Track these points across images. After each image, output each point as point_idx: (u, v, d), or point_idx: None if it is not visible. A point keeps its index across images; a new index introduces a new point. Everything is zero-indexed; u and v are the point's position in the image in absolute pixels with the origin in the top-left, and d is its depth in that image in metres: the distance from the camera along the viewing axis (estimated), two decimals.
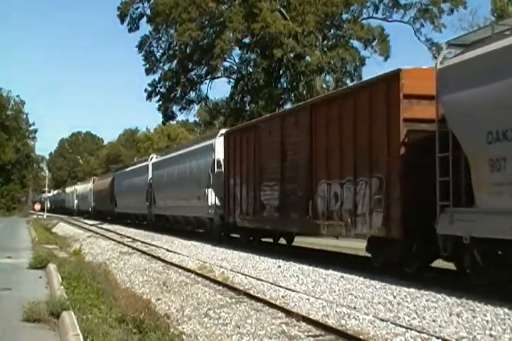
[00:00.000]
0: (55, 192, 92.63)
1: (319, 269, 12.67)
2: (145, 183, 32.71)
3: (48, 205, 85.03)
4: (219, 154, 21.15)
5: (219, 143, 21.27)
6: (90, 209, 53.66)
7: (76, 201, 64.07)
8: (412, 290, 9.70)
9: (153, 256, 17.22)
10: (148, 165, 33.25)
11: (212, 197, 21.42)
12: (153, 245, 21.23)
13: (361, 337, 6.95)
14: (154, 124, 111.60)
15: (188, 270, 13.66)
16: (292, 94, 40.18)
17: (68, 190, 73.62)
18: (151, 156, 34.40)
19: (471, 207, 9.31)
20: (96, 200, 51.40)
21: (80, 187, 62.69)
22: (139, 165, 37.17)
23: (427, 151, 10.12)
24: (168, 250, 18.87)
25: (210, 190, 21.65)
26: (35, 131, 76.49)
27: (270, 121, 17.86)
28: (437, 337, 6.84)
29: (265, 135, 17.22)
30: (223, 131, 21.98)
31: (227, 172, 20.30)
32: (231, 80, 44.95)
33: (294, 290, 10.35)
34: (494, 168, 8.70)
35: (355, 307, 8.79)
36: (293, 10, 36.80)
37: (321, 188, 13.90)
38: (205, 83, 45.39)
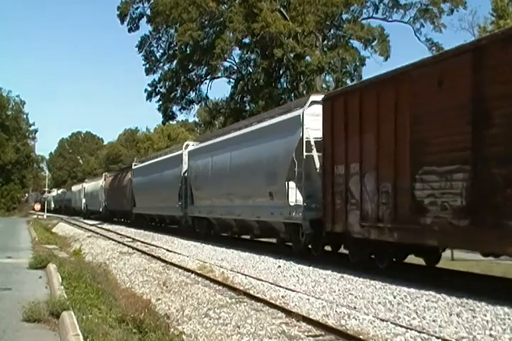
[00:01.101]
0: (60, 191, 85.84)
1: (319, 269, 12.67)
2: (177, 178, 26.38)
3: (52, 205, 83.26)
4: (310, 131, 14.77)
5: (310, 116, 14.91)
6: (101, 209, 47.78)
7: (84, 200, 57.50)
8: (412, 290, 9.70)
9: (153, 256, 17.22)
10: (181, 154, 26.34)
11: (296, 194, 15.29)
12: (153, 245, 21.23)
13: (361, 337, 6.95)
14: (154, 124, 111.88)
15: (188, 270, 13.66)
16: (292, 94, 40.16)
17: (75, 188, 66.33)
18: (185, 143, 27.13)
19: None
20: (109, 199, 45.41)
21: (89, 185, 56.42)
22: (168, 156, 29.74)
23: None
24: (168, 250, 18.87)
25: (291, 183, 15.55)
26: (36, 131, 76.69)
27: (444, 63, 10.42)
28: (437, 337, 6.84)
29: (428, 88, 10.52)
30: (316, 97, 15.29)
31: (329, 156, 13.74)
32: (231, 80, 45.00)
33: (294, 290, 10.35)
34: None
35: (355, 307, 8.79)
36: (293, 10, 36.80)
37: None
38: (205, 83, 45.45)
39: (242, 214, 18.84)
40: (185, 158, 25.61)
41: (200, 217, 23.50)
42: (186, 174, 25.36)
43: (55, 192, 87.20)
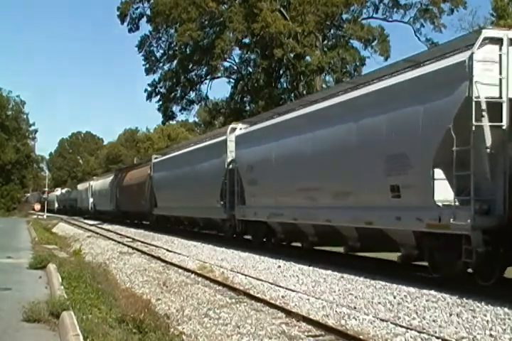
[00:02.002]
0: (64, 190, 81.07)
1: (319, 269, 12.67)
2: (218, 171, 20.68)
3: (56, 205, 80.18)
4: (480, 87, 9.32)
5: (482, 64, 9.43)
6: (112, 209, 42.76)
7: (91, 200, 52.39)
8: (412, 290, 9.69)
9: (153, 256, 17.22)
10: (225, 140, 20.48)
11: (446, 189, 9.94)
12: (153, 245, 21.23)
13: (361, 337, 6.95)
14: (154, 124, 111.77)
15: (188, 270, 13.66)
16: (292, 94, 40.19)
17: (81, 186, 61.10)
18: (230, 127, 20.87)
19: None
20: (121, 199, 40.23)
21: (97, 183, 51.19)
22: (205, 144, 23.91)
23: None
24: (168, 250, 18.87)
25: (438, 171, 10.12)
26: (36, 131, 76.64)
27: None
28: (437, 337, 6.84)
29: None
30: (494, 31, 9.74)
31: None
32: (231, 80, 45.05)
33: (294, 290, 10.35)
34: None
35: (355, 308, 8.79)
36: (293, 10, 36.82)
37: None
38: (205, 83, 45.52)
39: (333, 218, 13.41)
40: (231, 144, 19.89)
41: (254, 221, 17.97)
42: (232, 165, 19.76)
43: (58, 191, 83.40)
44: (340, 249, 14.82)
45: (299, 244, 16.93)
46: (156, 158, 32.10)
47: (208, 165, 22.22)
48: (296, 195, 15.20)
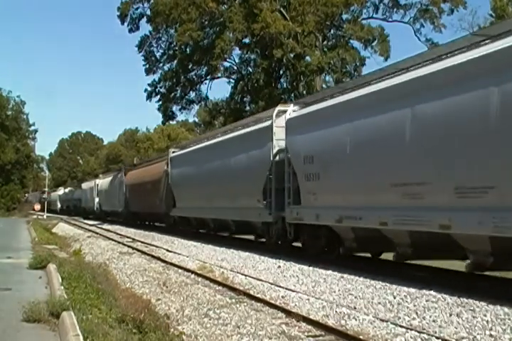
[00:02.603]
0: (67, 189, 76.43)
1: (319, 269, 12.66)
2: (260, 164, 17.07)
3: (59, 205, 76.64)
4: None
5: None
6: (121, 209, 39.06)
7: (97, 200, 48.39)
8: (412, 290, 9.69)
9: (153, 257, 17.22)
10: (270, 127, 16.63)
11: None
12: (153, 245, 21.22)
13: (361, 337, 6.95)
14: (154, 124, 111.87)
15: (188, 270, 13.66)
16: (292, 95, 40.21)
17: (86, 185, 56.72)
18: (277, 109, 16.55)
19: None
20: (131, 198, 36.47)
21: (104, 182, 47.14)
22: (241, 132, 19.75)
23: None
24: (168, 250, 18.86)
25: None
26: (35, 131, 76.64)
27: None
28: (437, 338, 6.84)
29: None
30: None
31: None
32: (231, 80, 45.07)
33: (294, 291, 10.34)
34: None
35: (355, 308, 8.79)
36: (293, 10, 36.84)
37: None
38: (205, 83, 45.57)
39: (455, 223, 9.39)
40: (279, 131, 16.17)
41: (312, 225, 14.40)
42: (280, 156, 16.26)
43: (61, 190, 79.30)
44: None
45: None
46: (174, 152, 27.66)
47: (245, 158, 18.36)
48: (387, 192, 11.14)
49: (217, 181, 20.48)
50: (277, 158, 16.32)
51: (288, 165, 15.37)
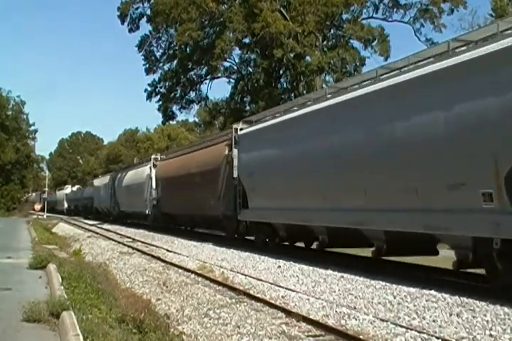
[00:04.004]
0: (75, 188, 70.35)
1: (319, 269, 12.66)
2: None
3: (65, 205, 70.89)
4: None
5: None
6: (148, 211, 31.17)
7: (114, 198, 41.46)
8: (412, 290, 9.69)
9: (153, 256, 17.22)
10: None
11: None
12: (153, 245, 21.22)
13: (361, 337, 6.95)
14: (154, 124, 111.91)
15: (188, 270, 13.66)
16: (292, 94, 40.18)
17: (98, 182, 49.39)
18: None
19: None
20: (166, 196, 28.80)
21: (123, 176, 39.31)
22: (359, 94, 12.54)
23: None
24: (168, 250, 18.87)
25: None
26: (35, 131, 76.64)
27: None
28: (437, 337, 6.84)
29: None
30: None
31: None
32: (231, 80, 45.06)
33: (294, 290, 10.35)
34: None
35: (355, 308, 8.79)
36: (293, 10, 36.83)
37: None
38: (205, 83, 45.56)
39: None
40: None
41: None
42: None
43: (68, 189, 72.49)
44: (341, 250, 14.82)
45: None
46: (242, 129, 19.33)
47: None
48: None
49: (340, 167, 12.87)
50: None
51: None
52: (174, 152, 32.02)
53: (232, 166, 19.63)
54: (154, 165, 31.58)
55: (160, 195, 29.85)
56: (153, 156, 33.02)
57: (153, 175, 31.06)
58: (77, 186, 71.79)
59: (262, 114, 20.37)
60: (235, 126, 20.08)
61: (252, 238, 19.03)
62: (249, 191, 18.31)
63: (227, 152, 20.39)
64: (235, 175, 19.25)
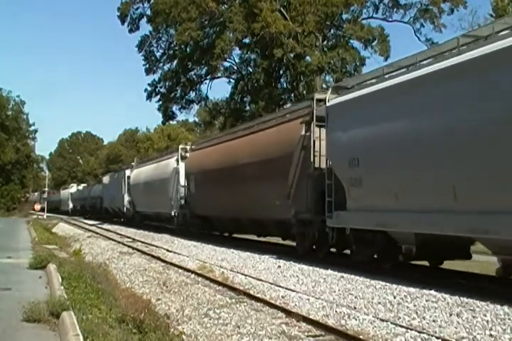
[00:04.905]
0: (81, 186, 65.60)
1: (319, 269, 12.67)
2: None
3: (70, 205, 66.79)
4: None
5: None
6: (174, 213, 26.33)
7: (128, 198, 36.05)
8: (412, 290, 9.69)
9: (153, 256, 17.22)
10: None
11: None
12: (153, 245, 21.22)
13: (361, 337, 6.95)
14: (154, 124, 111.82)
15: (188, 270, 13.66)
16: (292, 95, 40.18)
17: (108, 179, 44.30)
18: None
19: None
20: (200, 194, 23.29)
21: (140, 171, 34.11)
22: None
23: None
24: (168, 250, 18.86)
25: None
26: (35, 131, 76.60)
27: None
28: (437, 337, 6.84)
29: None
30: None
31: None
32: (231, 80, 45.04)
33: (294, 290, 10.35)
34: None
35: (355, 308, 8.79)
36: (293, 10, 36.81)
37: None
38: (205, 83, 45.52)
39: None
40: None
41: None
42: None
43: (74, 187, 67.89)
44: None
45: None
46: (334, 98, 13.72)
47: None
48: None
49: None
50: None
51: None
52: (212, 139, 25.80)
53: (310, 152, 14.43)
54: (182, 158, 26.41)
55: (191, 192, 24.35)
56: (180, 146, 27.61)
57: (180, 169, 26.05)
58: (83, 184, 67.31)
59: (361, 77, 15.26)
60: (317, 95, 14.67)
61: (341, 251, 14.81)
62: (349, 185, 12.79)
63: (303, 132, 14.88)
64: (321, 164, 14.20)
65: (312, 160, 14.39)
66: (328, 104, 13.74)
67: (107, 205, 43.74)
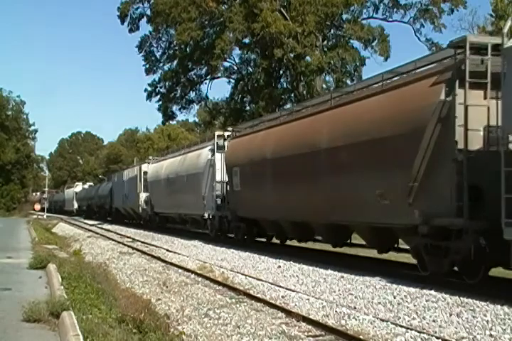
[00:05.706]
0: (87, 185, 61.73)
1: (319, 269, 12.67)
2: None
3: (75, 206, 62.93)
4: None
5: None
6: (208, 215, 21.82)
7: (144, 197, 31.86)
8: (412, 290, 9.69)
9: (153, 256, 17.22)
10: None
11: None
12: (153, 245, 21.22)
13: (361, 337, 6.95)
14: (154, 124, 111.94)
15: (188, 270, 13.66)
16: (292, 95, 40.18)
17: (119, 176, 40.33)
18: None
19: None
20: (245, 192, 18.67)
21: (159, 166, 30.09)
22: None
23: None
24: (168, 250, 18.86)
25: None
26: (36, 131, 76.73)
27: None
28: (437, 337, 6.84)
29: None
30: None
31: None
32: (231, 80, 45.04)
33: (294, 290, 10.35)
34: None
35: (355, 308, 8.79)
36: (293, 10, 36.79)
37: None
38: (205, 83, 45.51)
39: None
40: None
41: None
42: None
43: (79, 186, 63.65)
44: (341, 249, 14.79)
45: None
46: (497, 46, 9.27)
47: None
48: None
49: None
50: None
51: None
52: (266, 121, 19.21)
53: (454, 126, 9.70)
54: (219, 147, 21.47)
55: (234, 190, 19.29)
56: (217, 133, 22.37)
57: (217, 162, 21.21)
58: (88, 183, 62.88)
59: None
60: (472, 38, 10.07)
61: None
62: None
63: (442, 97, 10.03)
64: (473, 144, 9.65)
65: (462, 137, 9.56)
66: (506, 46, 8.66)
67: (118, 205, 38.92)
